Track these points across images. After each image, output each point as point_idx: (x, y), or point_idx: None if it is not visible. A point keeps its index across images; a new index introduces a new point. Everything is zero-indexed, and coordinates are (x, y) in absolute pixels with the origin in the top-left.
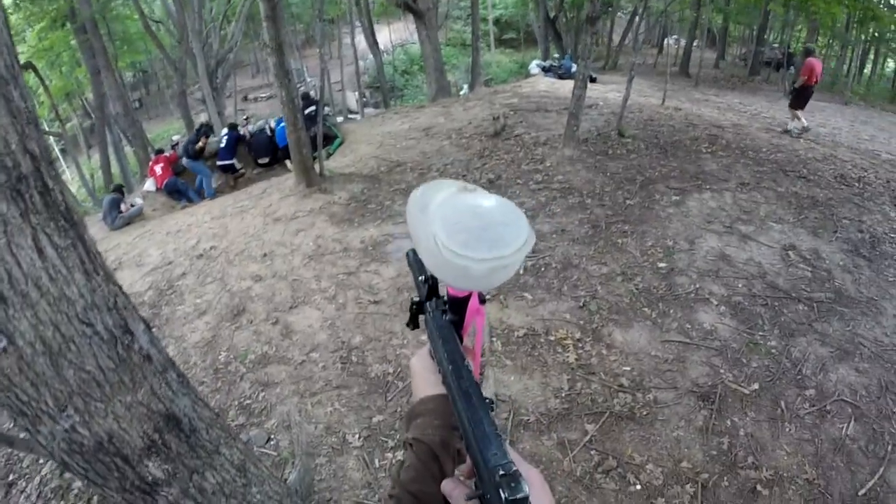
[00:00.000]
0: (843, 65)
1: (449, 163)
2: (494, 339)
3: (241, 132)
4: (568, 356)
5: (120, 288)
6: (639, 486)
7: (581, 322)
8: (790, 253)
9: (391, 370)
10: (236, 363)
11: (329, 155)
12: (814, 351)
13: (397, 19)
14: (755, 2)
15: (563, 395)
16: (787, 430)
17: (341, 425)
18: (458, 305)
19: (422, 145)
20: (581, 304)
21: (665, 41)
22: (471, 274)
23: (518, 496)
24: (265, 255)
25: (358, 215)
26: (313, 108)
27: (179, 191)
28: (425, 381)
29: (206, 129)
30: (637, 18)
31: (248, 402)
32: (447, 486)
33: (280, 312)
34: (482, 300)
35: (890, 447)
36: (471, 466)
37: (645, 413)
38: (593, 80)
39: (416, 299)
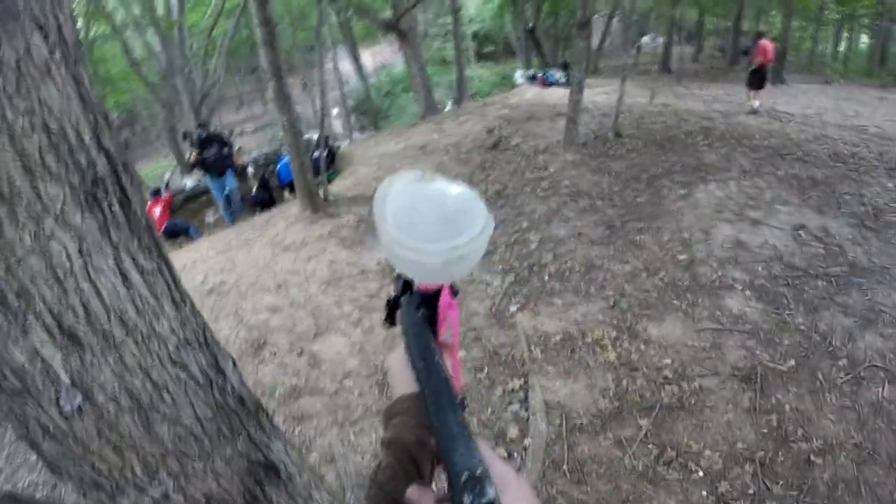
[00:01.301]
0: (818, 45)
1: (452, 178)
2: (533, 347)
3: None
4: (608, 356)
5: (204, 319)
6: (701, 473)
7: (614, 321)
8: (801, 233)
9: None
10: (265, 399)
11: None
12: (839, 322)
13: (377, 42)
14: None
15: (611, 394)
16: (829, 399)
17: None
18: (429, 300)
19: (421, 163)
20: (611, 303)
21: (642, 40)
22: (426, 266)
23: (482, 501)
24: (279, 285)
25: (369, 237)
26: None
27: (180, 230)
28: (402, 379)
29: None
30: (614, 21)
31: None
32: (412, 493)
33: (304, 342)
34: (455, 292)
35: None
36: None
37: (693, 402)
38: (580, 86)
39: (392, 295)
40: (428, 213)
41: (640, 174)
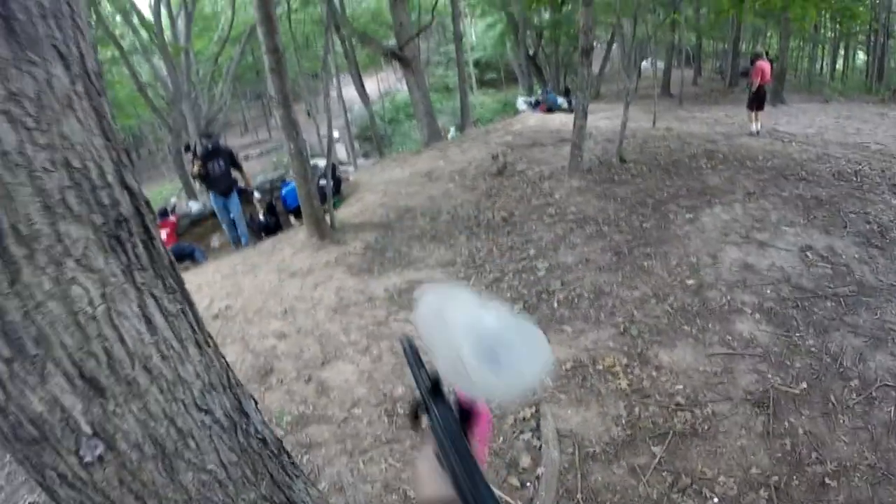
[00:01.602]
0: (815, 64)
1: (458, 205)
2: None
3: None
4: (620, 383)
5: (226, 360)
6: (716, 500)
7: (625, 347)
8: (808, 253)
9: None
10: (272, 426)
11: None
12: (849, 343)
13: (381, 69)
14: (726, 15)
15: (624, 421)
16: (841, 421)
17: (399, 481)
18: (466, 407)
19: (427, 190)
20: (621, 329)
21: (642, 64)
22: (492, 390)
23: None
24: (286, 311)
25: (377, 264)
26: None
27: (185, 254)
28: (432, 482)
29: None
30: (614, 47)
31: None
32: None
33: (311, 369)
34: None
35: None
36: None
37: (707, 427)
38: (583, 112)
39: (417, 396)
40: (498, 344)
41: (646, 199)
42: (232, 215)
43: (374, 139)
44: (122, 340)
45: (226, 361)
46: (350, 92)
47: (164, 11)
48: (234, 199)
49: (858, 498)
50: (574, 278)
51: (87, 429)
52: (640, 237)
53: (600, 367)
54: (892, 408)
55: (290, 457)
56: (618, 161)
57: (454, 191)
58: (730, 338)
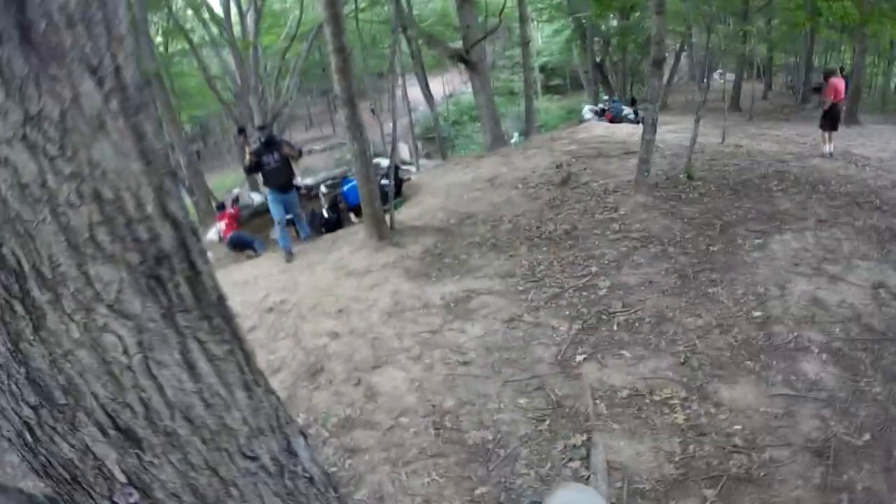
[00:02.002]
0: (891, 81)
1: (520, 214)
2: (598, 401)
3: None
4: (676, 417)
5: (276, 395)
6: None
7: (684, 379)
8: (881, 290)
9: (490, 437)
10: (317, 426)
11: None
12: None
13: (447, 71)
14: (801, 28)
15: (677, 459)
16: None
17: (441, 498)
18: None
19: (489, 196)
20: (682, 360)
21: (711, 77)
22: None
23: None
24: (340, 310)
25: (434, 269)
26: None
27: (245, 243)
28: None
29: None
30: (682, 57)
31: (333, 469)
32: None
33: (361, 372)
34: None
35: None
36: None
37: (763, 474)
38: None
39: None
40: None
41: (714, 220)
42: (289, 214)
43: (437, 140)
44: (161, 391)
45: (277, 398)
46: (415, 92)
47: (233, 7)
48: (293, 196)
49: None
50: (636, 300)
51: (121, 477)
52: (706, 261)
53: (657, 398)
54: None
55: (336, 491)
56: (685, 178)
57: (516, 199)
58: (794, 378)
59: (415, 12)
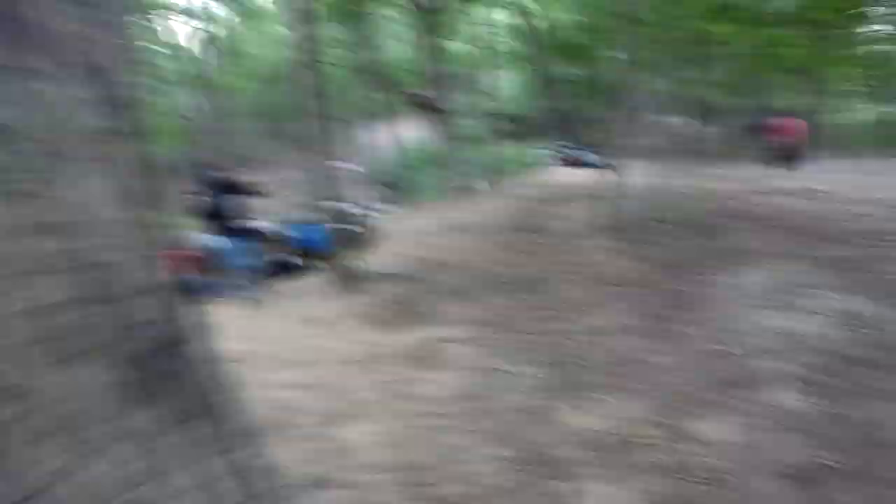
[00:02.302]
0: (842, 118)
1: (488, 260)
2: (574, 447)
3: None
4: (656, 456)
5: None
6: None
7: (660, 418)
8: (850, 319)
9: (470, 491)
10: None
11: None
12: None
13: (410, 116)
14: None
15: (659, 500)
16: (886, 501)
17: None
18: None
19: (455, 242)
20: (656, 399)
21: (671, 121)
22: None
23: None
24: (306, 360)
25: (404, 318)
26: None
27: (207, 290)
28: None
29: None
30: (643, 102)
31: None
32: None
33: (330, 426)
34: None
35: None
36: None
37: None
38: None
39: None
40: None
41: (680, 260)
42: (244, 260)
43: (400, 186)
44: None
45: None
46: (380, 137)
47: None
48: (247, 241)
49: None
50: (607, 342)
51: None
52: (676, 301)
53: (634, 440)
54: None
55: None
56: (650, 220)
57: (485, 245)
58: (773, 408)
59: (381, 58)
